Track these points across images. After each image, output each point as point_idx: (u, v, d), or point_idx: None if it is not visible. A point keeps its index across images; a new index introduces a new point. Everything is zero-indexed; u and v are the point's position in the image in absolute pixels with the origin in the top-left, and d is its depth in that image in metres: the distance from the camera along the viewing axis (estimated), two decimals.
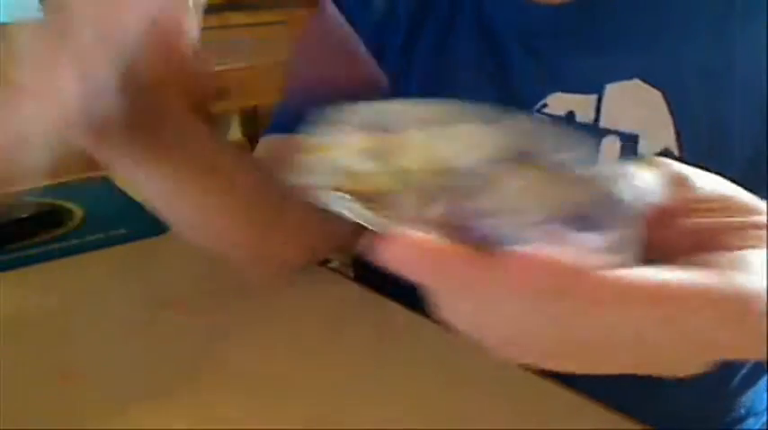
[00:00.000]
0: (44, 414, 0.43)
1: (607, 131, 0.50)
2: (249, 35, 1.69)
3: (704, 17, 0.49)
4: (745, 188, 0.51)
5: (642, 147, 0.49)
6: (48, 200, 0.86)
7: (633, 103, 0.49)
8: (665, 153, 0.48)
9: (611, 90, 0.50)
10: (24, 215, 0.78)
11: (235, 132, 2.17)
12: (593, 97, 0.50)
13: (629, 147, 0.49)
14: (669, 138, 0.48)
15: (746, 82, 0.47)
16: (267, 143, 0.63)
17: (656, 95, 0.48)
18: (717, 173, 0.48)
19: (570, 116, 0.51)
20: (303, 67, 0.60)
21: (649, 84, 0.49)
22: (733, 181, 0.49)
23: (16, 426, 0.42)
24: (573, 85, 0.51)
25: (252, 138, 2.10)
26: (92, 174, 1.10)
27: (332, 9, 0.56)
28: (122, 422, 0.43)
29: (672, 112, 0.48)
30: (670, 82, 0.48)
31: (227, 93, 1.46)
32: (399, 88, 0.55)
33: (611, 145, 0.49)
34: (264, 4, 1.68)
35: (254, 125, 2.05)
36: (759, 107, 0.47)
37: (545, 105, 0.52)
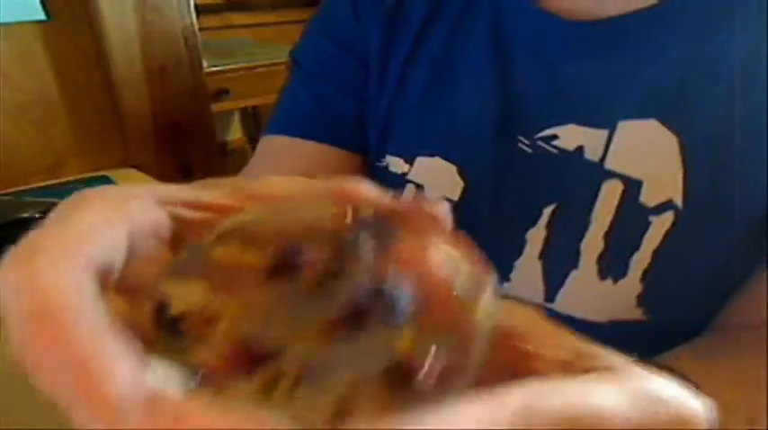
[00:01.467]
0: (44, 413, 0.43)
1: (610, 174, 0.45)
2: (249, 35, 1.69)
3: (738, 61, 0.43)
4: (745, 262, 0.45)
5: (645, 194, 0.44)
6: (48, 200, 0.86)
7: (644, 146, 0.44)
8: (668, 205, 0.44)
9: (624, 127, 0.45)
10: (24, 215, 0.78)
11: (235, 132, 2.17)
12: (604, 132, 0.45)
13: (631, 193, 0.45)
14: (675, 190, 0.44)
15: None
16: (268, 143, 0.62)
17: (671, 140, 0.43)
18: (714, 234, 0.44)
19: (579, 151, 0.47)
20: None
21: (666, 126, 0.44)
22: (728, 245, 0.44)
23: (16, 426, 0.42)
24: (587, 116, 0.46)
25: (252, 138, 2.10)
26: (92, 174, 1.10)
27: None
28: None
29: (684, 162, 0.43)
30: (689, 127, 0.43)
31: (227, 93, 1.46)
32: (405, 86, 0.53)
33: (612, 188, 0.45)
34: (265, 4, 1.68)
35: (254, 125, 2.06)
36: None
37: (555, 137, 0.47)
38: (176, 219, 0.18)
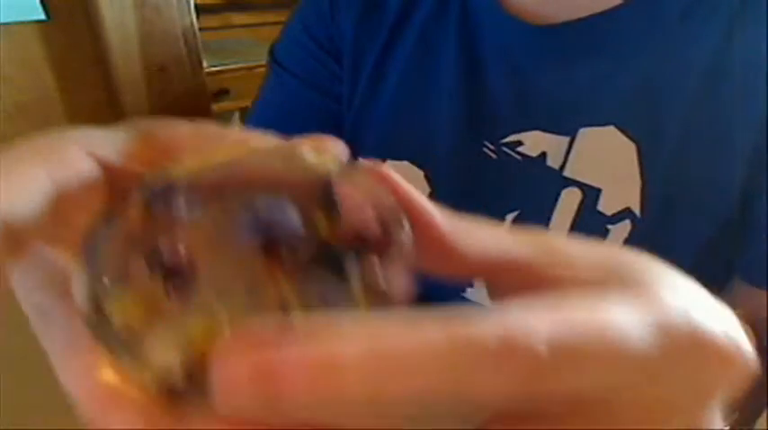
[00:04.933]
0: (44, 412, 0.43)
1: (569, 181, 0.45)
2: (249, 35, 1.69)
3: (697, 70, 0.42)
4: (703, 273, 0.44)
5: (603, 202, 0.44)
6: None
7: (603, 153, 0.44)
8: (626, 213, 0.43)
9: (584, 135, 0.44)
10: None
11: None
12: (566, 139, 0.45)
13: (590, 201, 0.44)
14: (633, 198, 0.43)
15: (735, 148, 0.41)
16: None
17: (629, 148, 0.43)
18: (674, 244, 0.43)
19: (542, 158, 0.46)
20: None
21: (625, 133, 0.43)
22: (691, 254, 0.43)
23: (17, 426, 0.42)
24: (551, 122, 0.46)
25: None
26: None
27: None
28: None
29: (642, 170, 0.43)
30: (648, 135, 0.43)
31: (227, 93, 1.46)
32: (376, 89, 0.52)
33: (571, 195, 0.45)
34: (265, 4, 1.68)
35: None
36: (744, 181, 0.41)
37: (519, 143, 0.47)
38: (107, 169, 0.18)
